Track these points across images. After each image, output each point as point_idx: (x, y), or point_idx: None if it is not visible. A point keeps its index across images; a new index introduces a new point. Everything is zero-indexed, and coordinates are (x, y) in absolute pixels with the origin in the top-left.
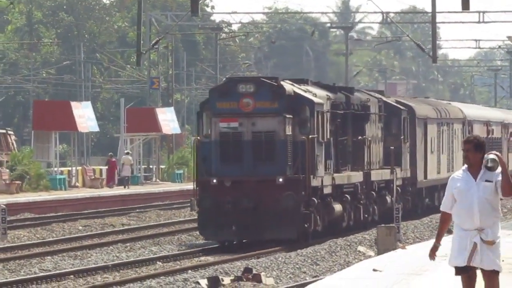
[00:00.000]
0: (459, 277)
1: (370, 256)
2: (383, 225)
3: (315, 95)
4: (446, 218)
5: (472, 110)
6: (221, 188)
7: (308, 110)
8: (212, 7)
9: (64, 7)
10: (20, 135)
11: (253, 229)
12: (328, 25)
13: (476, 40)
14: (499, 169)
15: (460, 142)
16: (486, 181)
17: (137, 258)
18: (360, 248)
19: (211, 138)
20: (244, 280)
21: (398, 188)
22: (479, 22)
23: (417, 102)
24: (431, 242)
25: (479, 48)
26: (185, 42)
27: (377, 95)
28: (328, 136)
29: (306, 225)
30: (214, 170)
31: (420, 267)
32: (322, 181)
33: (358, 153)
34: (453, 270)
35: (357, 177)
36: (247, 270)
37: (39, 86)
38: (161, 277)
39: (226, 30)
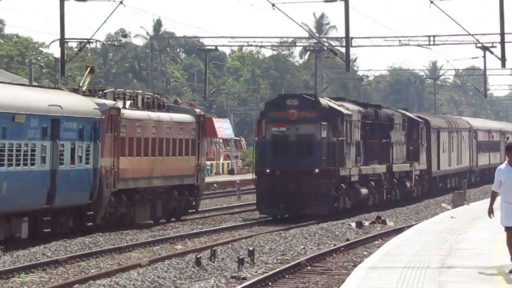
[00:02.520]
0: (495, 221)
1: (448, 209)
2: (456, 191)
3: (347, 108)
4: (495, 194)
5: (477, 122)
6: (273, 176)
7: (339, 119)
8: (357, 66)
9: (273, 66)
10: (248, 140)
11: (296, 207)
12: (424, 76)
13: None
14: None
15: (466, 145)
16: None
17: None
18: (443, 205)
19: (266, 138)
20: (376, 223)
21: (416, 177)
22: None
23: (433, 116)
24: (482, 202)
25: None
26: (341, 86)
27: (401, 111)
28: (358, 139)
29: (335, 204)
30: (268, 162)
31: (477, 215)
32: (350, 171)
33: (383, 152)
34: (497, 220)
35: (381, 168)
36: (378, 217)
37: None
38: (329, 222)
39: (365, 80)
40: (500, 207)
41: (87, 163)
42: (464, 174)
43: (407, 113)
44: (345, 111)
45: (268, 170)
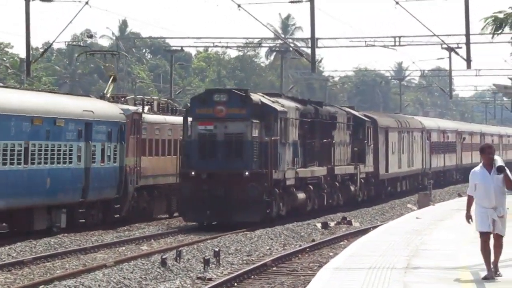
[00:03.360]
0: (459, 220)
1: (414, 210)
2: (421, 192)
3: (283, 105)
4: (471, 199)
5: (431, 122)
6: (199, 179)
7: (272, 117)
8: (323, 67)
9: (239, 67)
10: None
11: (224, 214)
12: (389, 77)
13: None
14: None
15: (419, 146)
16: (497, 174)
17: None
18: (409, 205)
19: (191, 138)
20: (342, 224)
21: (362, 180)
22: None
23: (381, 115)
24: (447, 203)
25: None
26: (306, 86)
27: (347, 109)
28: (296, 139)
29: (268, 211)
30: (194, 164)
31: (443, 216)
32: (284, 174)
33: (325, 153)
34: (459, 219)
35: (321, 171)
36: (343, 218)
37: None
38: (294, 223)
39: (331, 81)
40: (475, 212)
41: (114, 162)
42: (416, 177)
43: (353, 112)
44: (279, 108)
45: (193, 173)
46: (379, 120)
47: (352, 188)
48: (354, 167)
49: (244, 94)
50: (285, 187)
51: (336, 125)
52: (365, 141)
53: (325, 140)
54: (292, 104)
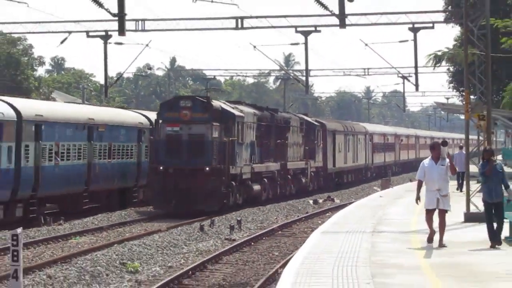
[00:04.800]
0: (410, 199)
1: (378, 191)
2: (383, 178)
3: (241, 111)
4: (420, 183)
5: (373, 127)
6: (166, 173)
7: (230, 120)
8: (314, 90)
9: (254, 90)
10: None
11: (187, 204)
12: (361, 97)
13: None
14: (447, 160)
15: (362, 146)
16: (441, 165)
17: None
18: (375, 187)
19: (160, 137)
20: (327, 201)
21: (312, 173)
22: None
23: (330, 121)
24: (402, 186)
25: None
26: (302, 104)
27: (300, 115)
28: (253, 139)
29: (225, 201)
30: (162, 160)
31: (399, 195)
32: (241, 170)
33: (279, 151)
34: (413, 199)
35: (275, 166)
36: (328, 197)
37: None
38: (294, 200)
39: (319, 100)
40: (424, 194)
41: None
42: (361, 170)
43: (306, 117)
44: (237, 113)
45: (161, 168)
46: (328, 124)
47: (303, 180)
48: (305, 163)
49: (206, 101)
50: (242, 180)
51: (290, 128)
52: (315, 142)
53: (279, 141)
54: (251, 110)
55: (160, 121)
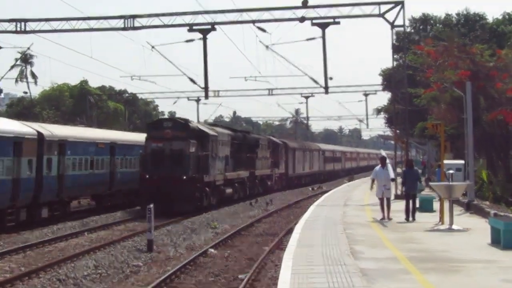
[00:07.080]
0: (366, 187)
1: (346, 183)
2: (349, 175)
3: (216, 132)
4: (372, 180)
5: (326, 146)
6: (152, 180)
7: (205, 138)
8: (311, 127)
9: (277, 130)
10: None
11: (168, 205)
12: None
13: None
14: (390, 167)
15: (316, 159)
16: (386, 170)
17: None
18: (345, 181)
19: (148, 151)
20: (319, 188)
21: (276, 178)
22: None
23: (292, 141)
24: (361, 180)
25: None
26: (304, 136)
27: (269, 137)
28: (227, 154)
29: (199, 203)
30: (148, 170)
31: (358, 185)
32: (215, 177)
33: (249, 163)
34: (371, 195)
35: (245, 174)
36: (319, 186)
37: None
38: (300, 188)
39: (316, 132)
40: (376, 187)
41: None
42: (314, 175)
43: (272, 138)
44: (211, 133)
45: (147, 176)
46: (290, 144)
47: (269, 182)
48: (270, 170)
49: (184, 122)
50: (215, 186)
51: (259, 145)
52: (279, 155)
53: (249, 155)
54: (225, 131)
55: (147, 138)
